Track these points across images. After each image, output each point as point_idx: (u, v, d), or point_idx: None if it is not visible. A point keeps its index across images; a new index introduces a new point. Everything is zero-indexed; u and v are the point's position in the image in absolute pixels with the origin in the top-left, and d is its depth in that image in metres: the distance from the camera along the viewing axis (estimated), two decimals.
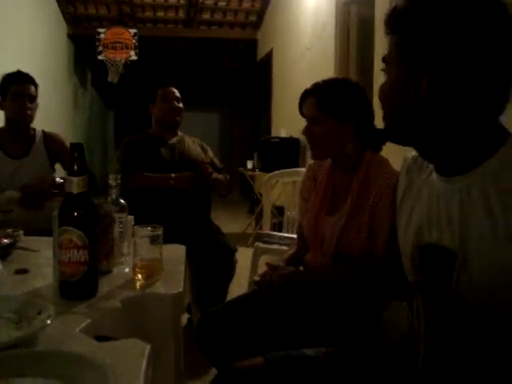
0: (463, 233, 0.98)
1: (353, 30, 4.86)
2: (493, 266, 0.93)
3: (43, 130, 2.87)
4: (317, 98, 1.75)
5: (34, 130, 2.83)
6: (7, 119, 2.76)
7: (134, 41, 7.83)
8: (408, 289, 1.06)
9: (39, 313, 1.06)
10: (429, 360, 1.02)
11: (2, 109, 2.74)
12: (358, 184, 1.73)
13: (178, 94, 3.18)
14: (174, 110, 3.15)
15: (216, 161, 3.27)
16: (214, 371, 2.00)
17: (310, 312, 1.66)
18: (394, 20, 1.05)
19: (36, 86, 2.77)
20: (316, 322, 1.63)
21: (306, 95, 1.80)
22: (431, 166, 1.11)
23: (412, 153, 1.18)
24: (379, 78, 1.09)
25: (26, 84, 2.71)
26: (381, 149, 1.80)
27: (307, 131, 1.78)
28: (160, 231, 1.43)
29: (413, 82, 0.98)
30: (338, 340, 1.36)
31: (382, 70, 1.08)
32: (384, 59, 1.07)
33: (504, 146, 0.96)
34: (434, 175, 1.08)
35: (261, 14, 8.37)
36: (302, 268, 1.89)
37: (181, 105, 3.18)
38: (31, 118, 2.76)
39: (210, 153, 3.29)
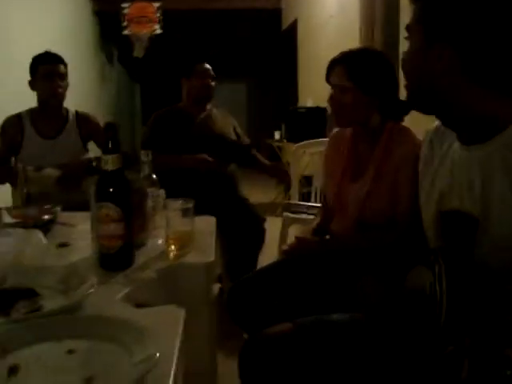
0: (484, 198, 1.01)
1: None
2: None
3: (76, 111, 2.93)
4: (345, 67, 1.76)
5: (67, 110, 2.89)
6: (39, 99, 2.81)
7: (158, 14, 7.86)
8: (430, 254, 1.10)
9: (82, 283, 1.14)
10: (449, 321, 1.07)
11: (34, 89, 2.79)
12: (380, 152, 1.77)
13: (212, 72, 3.20)
14: (210, 87, 3.17)
15: (244, 136, 3.32)
16: (245, 338, 2.08)
17: (335, 278, 1.72)
18: None
19: (65, 64, 2.81)
20: (342, 287, 1.68)
21: (334, 64, 1.81)
22: (453, 135, 1.13)
23: (434, 124, 1.21)
24: (405, 46, 1.12)
25: (55, 63, 2.76)
26: (402, 119, 1.83)
27: (332, 99, 1.81)
28: (191, 204, 1.49)
29: (434, 51, 1.01)
30: (360, 287, 1.41)
31: (405, 38, 1.11)
32: (407, 27, 1.10)
33: None
34: (456, 144, 1.11)
35: None
36: (328, 237, 1.95)
37: (213, 82, 3.19)
38: (62, 97, 2.81)
39: (239, 128, 3.33)
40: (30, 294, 1.08)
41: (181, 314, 1.03)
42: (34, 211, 1.85)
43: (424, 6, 1.04)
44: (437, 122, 1.22)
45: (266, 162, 3.27)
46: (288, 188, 3.18)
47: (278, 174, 3.44)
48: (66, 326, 0.93)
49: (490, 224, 1.00)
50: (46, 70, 2.73)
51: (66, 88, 2.82)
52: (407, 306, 1.12)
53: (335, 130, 2.01)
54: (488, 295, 1.03)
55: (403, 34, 1.13)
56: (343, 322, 1.37)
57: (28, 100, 2.88)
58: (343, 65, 1.77)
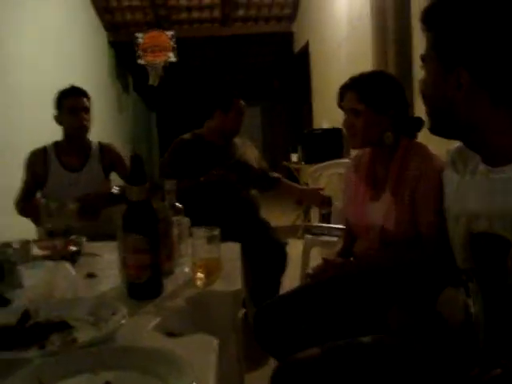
0: None
1: (390, 19, 4.82)
2: None
3: (99, 142, 2.98)
4: (356, 91, 1.82)
5: (90, 142, 2.94)
6: (66, 133, 2.86)
7: (171, 43, 7.98)
8: (462, 274, 1.09)
9: (113, 313, 1.15)
10: (489, 342, 1.05)
11: (59, 123, 2.85)
12: (396, 168, 1.79)
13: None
14: (242, 124, 3.20)
15: (262, 162, 3.34)
16: (271, 362, 2.07)
17: (362, 300, 1.71)
18: (429, 17, 1.08)
19: (89, 98, 2.88)
20: (370, 309, 1.68)
21: (345, 89, 1.87)
22: (477, 156, 1.13)
23: (455, 144, 1.21)
24: (418, 66, 1.13)
25: (80, 97, 2.82)
26: (415, 136, 1.85)
27: (347, 123, 1.87)
28: (217, 232, 1.49)
29: (452, 78, 1.01)
30: (387, 323, 1.40)
31: (421, 67, 1.12)
32: (422, 57, 1.10)
33: None
34: (481, 166, 1.11)
35: (295, 7, 8.37)
36: (352, 259, 1.95)
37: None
38: (87, 129, 2.86)
39: (257, 153, 3.35)
40: (63, 327, 1.09)
41: (214, 342, 1.04)
42: (60, 243, 1.87)
43: (437, 33, 1.05)
44: (458, 143, 1.22)
45: (298, 186, 3.27)
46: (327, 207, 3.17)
47: (315, 199, 3.33)
48: (101, 357, 0.93)
49: None
50: (71, 104, 2.79)
51: (90, 121, 2.87)
52: (442, 331, 1.11)
53: (355, 153, 2.03)
54: None
55: (416, 56, 1.14)
56: (373, 345, 1.35)
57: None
58: (353, 90, 1.84)
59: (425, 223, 1.69)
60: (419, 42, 3.80)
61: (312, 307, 1.78)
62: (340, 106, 1.90)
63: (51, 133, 2.93)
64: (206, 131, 3.21)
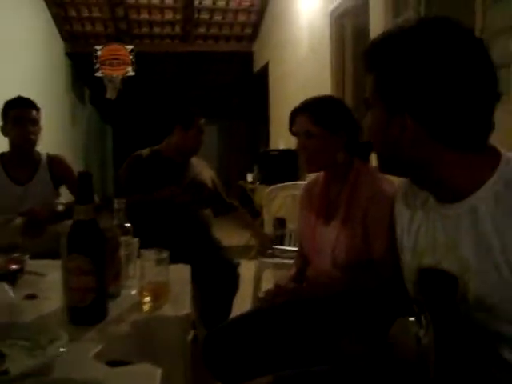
0: (462, 257, 1.00)
1: (348, 42, 4.91)
2: (492, 289, 0.95)
3: (47, 153, 2.87)
4: (308, 113, 1.83)
5: (39, 153, 2.83)
6: (11, 144, 2.75)
7: (131, 57, 7.91)
8: (414, 305, 1.08)
9: (52, 340, 1.08)
10: (439, 375, 1.04)
11: (6, 135, 2.74)
12: (348, 191, 1.80)
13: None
14: (200, 142, 3.13)
15: (219, 184, 3.29)
16: None
17: (315, 327, 1.69)
18: (370, 58, 1.06)
19: (38, 109, 2.77)
20: (322, 336, 1.65)
21: (296, 113, 1.88)
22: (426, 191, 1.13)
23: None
24: None
25: (26, 108, 2.71)
26: (368, 159, 1.86)
27: (301, 146, 1.86)
28: (166, 254, 1.45)
29: (396, 122, 1.00)
30: (339, 352, 1.37)
31: (366, 108, 1.10)
32: (365, 100, 1.09)
33: (499, 166, 0.99)
34: (431, 200, 1.11)
35: (256, 27, 8.45)
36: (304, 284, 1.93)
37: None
38: (34, 142, 2.75)
39: (213, 174, 3.31)
40: None
41: (157, 373, 0.98)
42: (1, 261, 1.78)
43: (379, 76, 1.03)
44: None
45: (249, 219, 3.27)
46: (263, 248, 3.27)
47: (262, 240, 3.41)
48: None
49: (468, 283, 0.99)
50: (17, 115, 2.68)
51: (38, 133, 2.76)
52: (393, 361, 1.09)
53: (309, 178, 2.03)
54: (475, 349, 1.01)
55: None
56: (325, 375, 1.33)
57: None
58: (306, 113, 1.84)
59: (376, 248, 1.69)
60: None
61: (263, 333, 1.74)
62: (291, 130, 1.90)
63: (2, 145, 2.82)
64: (165, 147, 3.14)
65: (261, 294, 1.90)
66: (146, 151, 3.14)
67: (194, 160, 3.21)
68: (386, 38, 1.02)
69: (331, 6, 4.92)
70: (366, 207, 1.73)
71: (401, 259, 1.20)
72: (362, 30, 4.45)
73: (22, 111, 2.70)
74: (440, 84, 0.96)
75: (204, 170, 3.22)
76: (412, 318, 1.04)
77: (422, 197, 1.14)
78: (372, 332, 1.25)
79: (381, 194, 1.70)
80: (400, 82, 0.98)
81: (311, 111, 1.84)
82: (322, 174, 1.95)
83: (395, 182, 1.67)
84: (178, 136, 3.08)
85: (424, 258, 1.09)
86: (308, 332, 1.68)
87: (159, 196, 2.86)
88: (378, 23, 3.93)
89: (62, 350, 1.02)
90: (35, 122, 2.74)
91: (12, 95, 2.78)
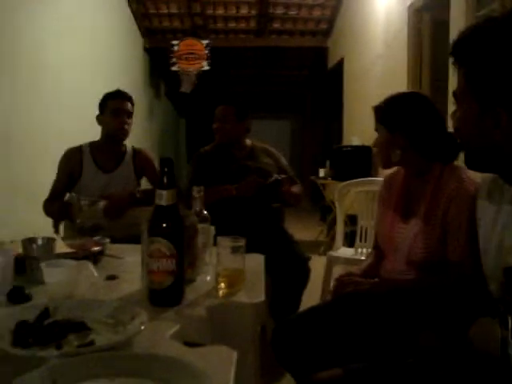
0: None
1: (426, 37, 4.78)
2: None
3: (133, 146, 2.99)
4: (378, 110, 1.86)
5: (125, 145, 2.95)
6: (105, 134, 2.87)
7: (206, 51, 8.04)
8: (500, 305, 1.04)
9: (132, 318, 1.13)
10: None
11: (100, 124, 2.87)
12: (430, 189, 1.75)
13: (225, 111, 3.15)
14: (218, 130, 3.14)
15: (288, 169, 3.27)
16: (287, 377, 2.03)
17: (386, 321, 1.66)
18: (459, 51, 1.02)
19: (133, 104, 2.90)
20: (393, 331, 1.62)
21: (375, 109, 1.89)
22: None
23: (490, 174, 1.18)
24: (454, 84, 1.08)
25: (125, 100, 2.84)
26: (449, 162, 1.78)
27: (374, 142, 1.90)
28: (242, 242, 1.47)
29: (489, 118, 0.97)
30: (417, 346, 1.34)
31: (454, 103, 1.07)
32: (454, 94, 1.06)
33: None
34: None
35: (331, 22, 8.37)
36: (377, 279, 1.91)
37: (227, 125, 3.12)
38: (127, 133, 2.87)
39: (283, 160, 3.27)
40: (81, 328, 1.07)
41: (233, 355, 1.00)
42: (83, 242, 1.87)
43: (469, 70, 1.00)
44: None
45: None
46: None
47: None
48: (119, 363, 0.91)
49: None
50: (115, 106, 2.80)
51: (130, 126, 2.88)
52: (474, 363, 1.06)
53: (384, 172, 2.01)
54: None
55: (452, 73, 1.09)
56: (398, 369, 1.31)
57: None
58: (378, 109, 1.86)
59: (453, 249, 1.64)
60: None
61: (334, 325, 1.74)
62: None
63: (90, 134, 2.95)
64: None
65: (332, 285, 1.89)
66: (207, 147, 3.23)
67: (257, 148, 3.21)
68: (476, 30, 0.99)
69: (409, 0, 4.81)
70: (447, 207, 1.68)
71: (484, 258, 1.16)
72: (441, 24, 4.32)
73: (120, 103, 2.83)
74: None
75: (267, 157, 3.20)
76: (496, 319, 1.00)
77: (508, 192, 1.11)
78: (450, 329, 1.21)
79: (463, 194, 1.64)
80: (492, 76, 0.95)
81: (380, 108, 1.85)
82: (401, 169, 1.91)
83: (478, 182, 1.62)
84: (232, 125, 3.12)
85: (510, 257, 1.06)
86: (378, 325, 1.66)
87: (214, 197, 2.84)
88: (459, 16, 3.80)
89: (141, 327, 1.07)
90: (130, 115, 2.87)
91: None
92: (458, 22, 3.80)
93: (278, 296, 2.86)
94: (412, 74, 4.81)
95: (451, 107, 1.14)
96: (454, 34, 3.87)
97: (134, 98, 2.92)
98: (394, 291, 1.72)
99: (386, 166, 1.90)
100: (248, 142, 3.23)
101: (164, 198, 1.30)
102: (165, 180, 1.31)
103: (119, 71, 6.70)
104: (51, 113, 4.33)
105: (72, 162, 2.84)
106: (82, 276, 1.39)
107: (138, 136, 7.29)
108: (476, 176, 1.70)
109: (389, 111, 1.82)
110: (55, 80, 4.44)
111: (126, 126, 2.83)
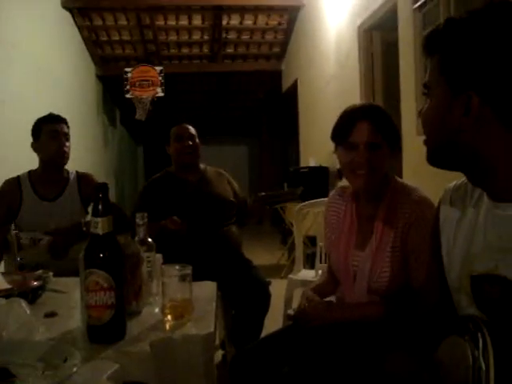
0: None
1: (377, 56, 4.83)
2: None
3: (77, 171, 2.87)
4: (372, 122, 1.64)
5: (68, 171, 2.83)
6: (42, 161, 2.75)
7: (160, 78, 7.96)
8: (469, 322, 0.98)
9: (65, 360, 1.02)
10: None
11: (37, 150, 2.74)
12: (383, 215, 1.67)
13: (192, 130, 3.05)
14: (188, 149, 3.01)
15: (239, 191, 3.19)
16: None
17: (350, 347, 1.58)
18: (434, 41, 1.02)
19: (68, 126, 2.79)
20: (359, 357, 1.55)
21: (357, 119, 1.66)
22: (477, 192, 1.05)
23: (451, 183, 1.14)
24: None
25: (59, 123, 2.74)
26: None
27: (365, 157, 1.64)
28: (189, 270, 1.39)
29: (459, 103, 0.95)
30: (383, 371, 1.27)
31: (424, 94, 1.05)
32: (425, 84, 1.04)
33: None
34: (485, 201, 1.02)
35: (284, 45, 8.45)
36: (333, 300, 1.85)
37: (195, 142, 3.03)
38: (68, 157, 2.76)
39: (235, 183, 3.21)
40: (3, 375, 0.96)
41: None
42: (24, 277, 1.74)
43: (444, 56, 0.99)
44: (455, 182, 1.15)
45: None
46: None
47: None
48: None
49: None
50: (51, 129, 2.70)
51: (69, 148, 2.77)
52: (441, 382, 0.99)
53: (333, 191, 1.94)
54: None
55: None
56: None
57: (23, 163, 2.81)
58: (368, 120, 1.65)
59: (417, 277, 1.57)
60: (407, 79, 3.79)
61: (293, 351, 1.65)
62: (347, 141, 1.67)
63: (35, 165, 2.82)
64: (173, 167, 3.11)
65: (289, 312, 1.81)
66: (158, 174, 3.13)
67: (210, 171, 3.14)
68: (450, 21, 1.00)
69: (359, 20, 4.86)
70: (405, 233, 1.62)
71: (448, 268, 1.11)
72: (392, 45, 4.36)
73: (56, 125, 2.72)
74: (507, 59, 0.91)
75: (221, 180, 3.13)
76: (466, 338, 0.93)
77: (473, 196, 1.07)
78: (418, 352, 1.14)
79: (422, 218, 1.58)
80: (466, 58, 0.95)
81: (374, 120, 1.64)
82: (348, 190, 1.83)
83: (431, 203, 1.56)
84: (169, 153, 3.07)
85: (477, 265, 1.00)
86: (342, 351, 1.58)
87: (164, 227, 2.71)
88: (407, 36, 3.85)
89: (73, 370, 0.96)
90: (68, 137, 2.77)
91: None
92: (406, 42, 3.85)
93: (239, 323, 2.78)
94: (365, 93, 4.84)
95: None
96: (404, 53, 3.92)
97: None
98: (357, 319, 1.65)
99: (374, 185, 1.69)
100: (201, 165, 3.15)
101: (99, 226, 1.20)
102: (100, 207, 1.21)
103: (70, 100, 6.56)
104: None
105: (9, 194, 2.70)
106: (13, 315, 1.27)
107: (93, 164, 7.15)
108: (428, 194, 1.66)
109: (391, 127, 1.71)
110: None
111: (66, 149, 2.73)
